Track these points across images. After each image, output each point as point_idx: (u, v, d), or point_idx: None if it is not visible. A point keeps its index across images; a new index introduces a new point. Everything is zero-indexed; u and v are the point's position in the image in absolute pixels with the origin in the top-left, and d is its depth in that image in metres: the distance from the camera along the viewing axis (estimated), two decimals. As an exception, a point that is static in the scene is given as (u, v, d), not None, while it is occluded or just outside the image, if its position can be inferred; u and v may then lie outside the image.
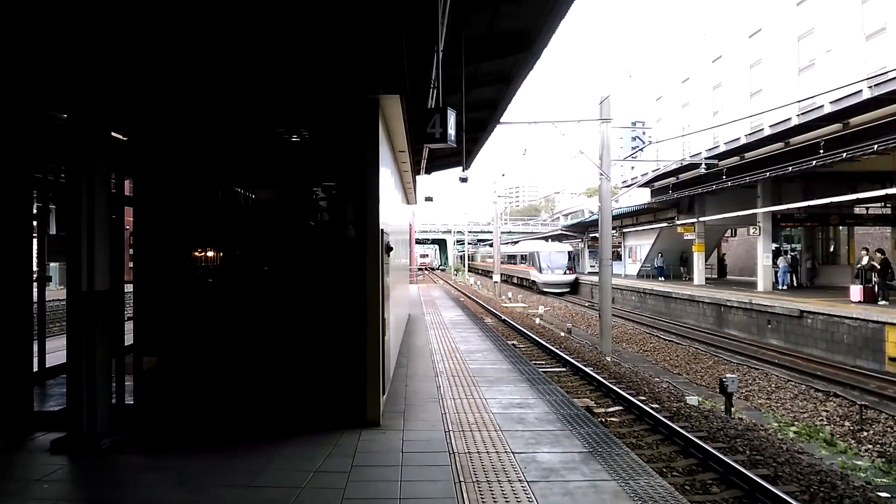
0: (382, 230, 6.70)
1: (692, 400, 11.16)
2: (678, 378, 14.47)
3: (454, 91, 9.32)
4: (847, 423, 10.22)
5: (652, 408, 9.74)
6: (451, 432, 6.21)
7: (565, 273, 40.18)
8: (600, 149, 18.08)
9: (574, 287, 40.24)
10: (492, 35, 8.80)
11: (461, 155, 14.69)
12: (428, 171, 19.79)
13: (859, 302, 17.11)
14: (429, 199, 29.91)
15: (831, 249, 29.33)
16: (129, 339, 6.71)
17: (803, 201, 21.09)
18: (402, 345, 12.08)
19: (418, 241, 76.28)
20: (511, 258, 50.45)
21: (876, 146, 14.71)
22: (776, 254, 25.14)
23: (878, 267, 17.32)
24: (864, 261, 18.10)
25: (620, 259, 39.01)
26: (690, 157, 23.58)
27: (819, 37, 17.48)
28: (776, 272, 24.37)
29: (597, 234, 19.20)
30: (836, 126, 16.57)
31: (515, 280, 48.93)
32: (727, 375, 10.84)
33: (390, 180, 8.69)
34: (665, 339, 20.01)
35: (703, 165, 21.49)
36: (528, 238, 62.08)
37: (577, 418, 6.78)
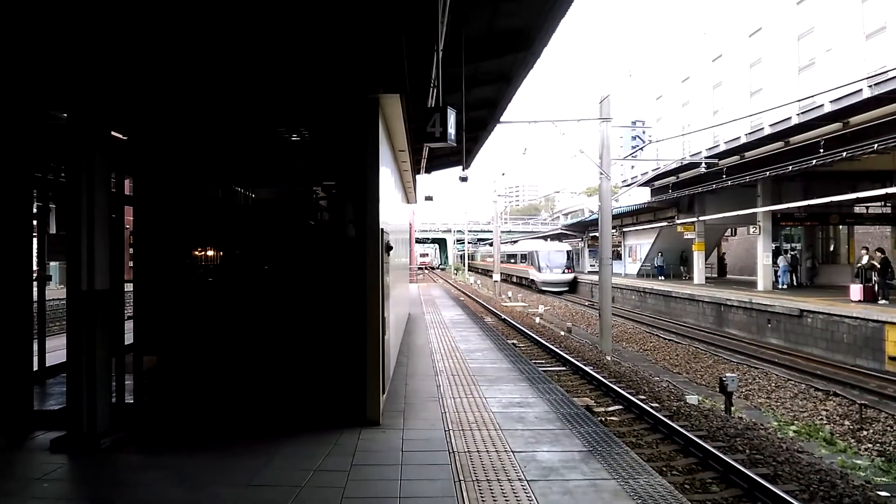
0: (382, 229, 6.70)
1: (692, 399, 11.16)
2: (678, 377, 14.48)
3: (454, 90, 9.33)
4: (847, 423, 10.22)
5: (652, 407, 9.74)
6: (450, 431, 6.22)
7: (564, 272, 40.41)
8: (600, 148, 18.08)
9: (573, 286, 40.44)
10: (492, 34, 8.80)
11: (461, 154, 14.70)
12: (428, 171, 19.79)
13: (859, 301, 17.10)
14: (429, 198, 29.96)
15: (831, 249, 29.35)
16: (129, 338, 6.71)
17: (803, 200, 21.09)
18: (402, 344, 12.09)
19: (418, 241, 76.31)
20: (511, 257, 50.52)
21: (876, 145, 14.69)
22: (776, 253, 25.14)
23: (878, 266, 17.31)
24: (864, 260, 18.10)
25: (620, 258, 39.02)
26: (690, 156, 23.58)
27: (819, 36, 17.48)
28: (776, 271, 24.36)
29: (597, 234, 19.21)
30: (836, 125, 16.57)
31: (515, 279, 49.01)
32: (727, 374, 10.84)
33: (390, 179, 8.69)
34: (665, 339, 20.00)
35: (703, 164, 21.46)
36: (527, 237, 62.11)
37: (576, 417, 6.79)
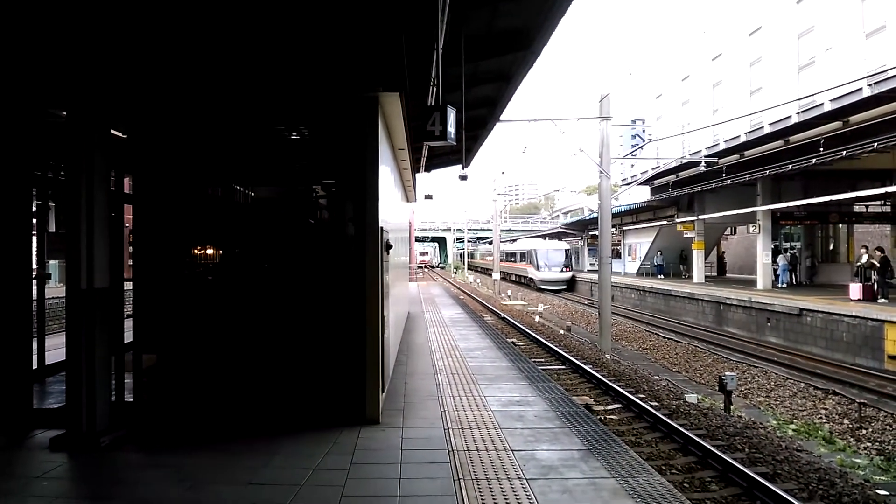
0: (382, 228, 6.70)
1: (691, 398, 11.18)
2: (677, 376, 14.48)
3: (454, 89, 9.32)
4: (846, 421, 10.23)
5: (651, 405, 9.75)
6: (450, 430, 6.22)
7: (562, 271, 40.86)
8: (600, 147, 18.07)
9: (571, 284, 40.87)
10: (491, 33, 8.79)
11: (461, 153, 14.70)
12: (428, 169, 19.79)
13: (859, 300, 17.10)
14: (428, 196, 29.97)
15: (831, 247, 29.36)
16: (128, 337, 6.71)
17: (803, 199, 21.08)
18: (402, 342, 12.09)
19: (418, 239, 76.31)
20: (510, 256, 50.68)
21: (876, 144, 14.69)
22: (776, 252, 25.14)
23: (878, 265, 17.31)
24: (864, 259, 18.10)
25: (620, 257, 39.04)
26: (690, 154, 23.57)
27: (819, 35, 17.47)
28: (776, 270, 24.37)
29: (596, 232, 19.21)
30: (836, 124, 16.58)
31: (514, 277, 49.15)
32: (726, 373, 10.85)
33: (390, 178, 8.68)
34: (664, 337, 20.01)
35: (703, 163, 21.47)
36: (527, 236, 62.17)
37: (576, 416, 6.79)
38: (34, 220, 7.28)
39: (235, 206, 7.47)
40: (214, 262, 7.12)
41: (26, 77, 5.98)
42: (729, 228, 34.35)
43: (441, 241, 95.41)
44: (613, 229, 33.23)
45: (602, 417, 9.25)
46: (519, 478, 4.91)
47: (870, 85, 14.40)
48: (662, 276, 32.56)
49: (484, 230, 79.97)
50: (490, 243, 53.49)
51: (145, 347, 6.71)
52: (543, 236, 56.65)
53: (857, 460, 8.36)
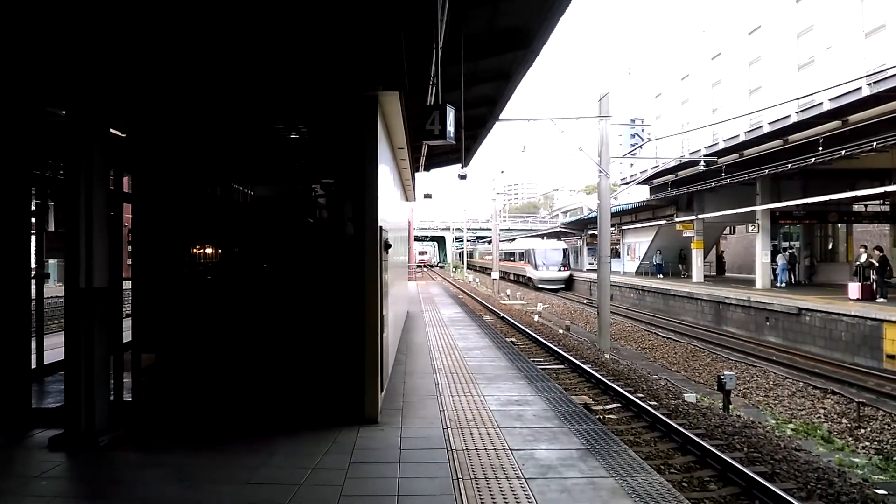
0: (381, 227, 6.70)
1: (690, 397, 11.18)
2: (676, 375, 14.50)
3: (453, 88, 9.32)
4: (844, 421, 10.24)
5: (650, 405, 9.76)
6: (449, 429, 6.22)
7: (560, 270, 41.27)
8: (599, 146, 18.07)
9: (569, 283, 41.31)
10: (491, 32, 8.79)
11: (460, 152, 14.72)
12: (427, 168, 19.79)
13: (857, 299, 17.12)
14: (428, 196, 29.96)
15: (830, 247, 29.37)
16: (127, 336, 6.71)
17: (802, 199, 21.09)
18: (401, 342, 12.09)
19: (417, 239, 76.25)
20: (509, 255, 50.83)
21: (875, 143, 14.70)
22: (775, 251, 25.15)
23: (877, 264, 17.32)
24: (863, 258, 18.11)
25: (619, 256, 39.08)
26: (689, 154, 23.59)
27: (818, 34, 17.47)
28: (775, 270, 24.38)
29: (596, 232, 19.20)
30: (836, 123, 16.58)
31: (512, 277, 49.29)
32: (725, 373, 10.87)
33: (389, 177, 8.68)
34: (663, 337, 20.03)
35: (702, 163, 21.49)
36: (526, 235, 62.22)
37: (575, 415, 6.79)
38: (33, 220, 7.27)
39: (234, 205, 7.46)
40: (213, 262, 7.12)
41: (25, 76, 5.98)
42: (728, 228, 34.33)
43: (440, 241, 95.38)
44: (612, 228, 33.15)
45: (601, 417, 9.26)
46: (518, 477, 4.91)
47: (869, 84, 14.42)
48: (661, 276, 32.57)
49: (483, 229, 79.95)
50: (489, 243, 53.58)
51: (144, 347, 6.70)
52: (542, 236, 56.71)
53: (856, 459, 8.37)
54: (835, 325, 15.60)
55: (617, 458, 5.40)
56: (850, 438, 9.39)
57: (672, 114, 28.39)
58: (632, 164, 32.51)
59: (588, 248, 45.36)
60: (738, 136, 20.75)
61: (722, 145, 21.77)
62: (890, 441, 9.09)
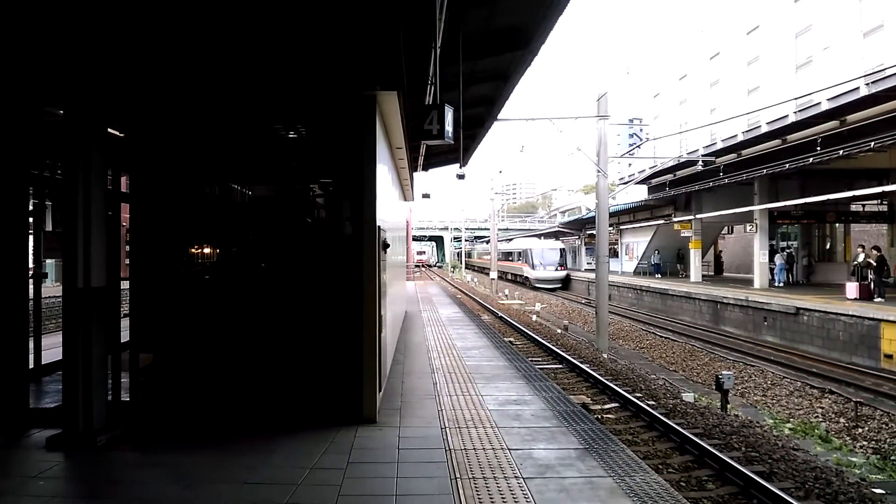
0: (379, 227, 6.70)
1: (688, 397, 11.19)
2: (674, 375, 14.51)
3: (452, 88, 9.31)
4: (842, 420, 10.26)
5: (648, 405, 9.77)
6: (447, 429, 6.22)
7: (557, 269, 41.73)
8: (597, 146, 18.08)
9: (565, 283, 41.74)
10: (489, 32, 8.78)
11: (459, 151, 14.71)
12: (425, 168, 19.79)
13: (855, 299, 17.14)
14: (426, 195, 30.01)
15: (827, 246, 29.42)
16: (125, 336, 6.70)
17: (800, 198, 21.13)
18: (399, 342, 12.09)
19: (415, 238, 76.16)
20: (507, 255, 50.96)
21: (873, 143, 14.73)
22: (773, 251, 25.19)
23: (875, 264, 17.36)
24: (861, 258, 18.15)
25: (617, 256, 39.11)
26: (688, 154, 23.60)
27: (816, 34, 17.50)
28: (772, 269, 24.42)
29: (594, 231, 19.20)
30: (834, 123, 16.60)
31: (510, 276, 49.42)
32: (723, 372, 10.88)
33: (387, 177, 8.68)
34: (661, 336, 20.05)
35: (701, 162, 21.51)
36: (524, 235, 62.28)
37: (573, 415, 6.80)
38: (31, 219, 7.26)
39: (232, 204, 7.45)
40: (211, 262, 7.11)
41: (23, 75, 5.96)
42: (726, 227, 34.39)
43: (439, 241, 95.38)
44: (611, 228, 33.23)
45: (599, 416, 9.26)
46: (516, 477, 4.91)
47: (867, 84, 14.43)
48: (659, 276, 32.60)
49: (481, 229, 79.99)
50: (487, 242, 53.64)
51: (142, 346, 6.69)
52: (540, 236, 56.78)
53: (854, 459, 8.39)
54: (832, 324, 15.63)
55: (615, 457, 5.40)
56: (848, 438, 9.41)
57: (670, 113, 28.40)
58: (630, 164, 32.53)
59: (586, 248, 45.54)
60: (736, 135, 20.77)
61: (720, 145, 21.78)
62: (887, 440, 9.11)
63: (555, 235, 52.82)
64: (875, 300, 16.74)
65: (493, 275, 40.62)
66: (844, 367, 14.14)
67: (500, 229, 54.49)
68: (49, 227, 8.89)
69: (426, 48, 7.03)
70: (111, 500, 4.56)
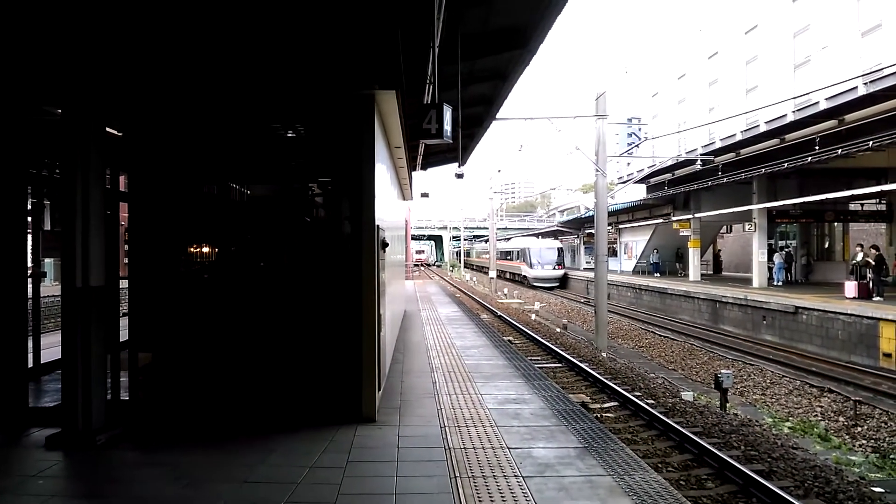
0: (378, 226, 6.70)
1: (687, 396, 11.20)
2: (673, 374, 14.52)
3: (450, 87, 9.30)
4: (841, 419, 10.28)
5: (647, 403, 9.78)
6: (446, 428, 6.23)
7: (554, 268, 42.15)
8: (596, 145, 18.08)
9: (563, 282, 42.08)
10: (487, 31, 8.77)
11: (457, 151, 14.72)
12: (424, 167, 19.76)
13: (854, 298, 17.17)
14: (424, 195, 30.00)
15: (826, 246, 29.45)
16: (124, 335, 6.70)
17: (798, 198, 21.14)
18: (398, 341, 12.09)
19: (414, 238, 76.09)
20: (506, 254, 51.07)
21: (871, 143, 14.74)
22: (771, 250, 25.21)
23: (873, 263, 17.37)
24: (859, 257, 18.18)
25: (616, 255, 39.12)
26: (686, 153, 23.60)
27: (815, 33, 17.50)
28: (771, 268, 24.44)
29: (593, 231, 19.21)
30: (832, 122, 16.59)
31: (508, 275, 49.52)
32: (722, 371, 10.88)
33: (386, 176, 8.67)
34: (660, 336, 20.06)
35: (699, 162, 21.52)
36: (523, 234, 62.31)
37: (572, 414, 6.80)
38: (29, 219, 7.25)
39: (231, 204, 7.44)
40: (210, 261, 7.11)
41: (21, 75, 5.95)
42: (725, 227, 34.43)
43: (437, 240, 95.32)
44: (609, 227, 33.26)
45: (598, 415, 9.26)
46: (515, 475, 4.91)
47: (865, 84, 14.43)
48: (658, 275, 32.61)
49: (480, 228, 79.91)
50: (486, 241, 53.69)
51: (141, 346, 6.69)
52: (539, 235, 56.82)
53: (853, 458, 8.40)
54: (831, 323, 15.65)
55: (614, 456, 5.41)
56: (847, 436, 9.42)
57: (669, 113, 28.40)
58: (629, 164, 32.51)
59: (585, 247, 45.61)
60: (734, 135, 20.77)
61: (719, 144, 21.79)
62: (886, 439, 9.13)
63: (554, 235, 52.85)
64: (874, 299, 16.76)
65: (492, 274, 40.65)
66: (843, 366, 14.17)
67: (498, 228, 54.56)
68: (48, 227, 8.87)
69: (425, 47, 7.03)
70: (110, 499, 4.56)
